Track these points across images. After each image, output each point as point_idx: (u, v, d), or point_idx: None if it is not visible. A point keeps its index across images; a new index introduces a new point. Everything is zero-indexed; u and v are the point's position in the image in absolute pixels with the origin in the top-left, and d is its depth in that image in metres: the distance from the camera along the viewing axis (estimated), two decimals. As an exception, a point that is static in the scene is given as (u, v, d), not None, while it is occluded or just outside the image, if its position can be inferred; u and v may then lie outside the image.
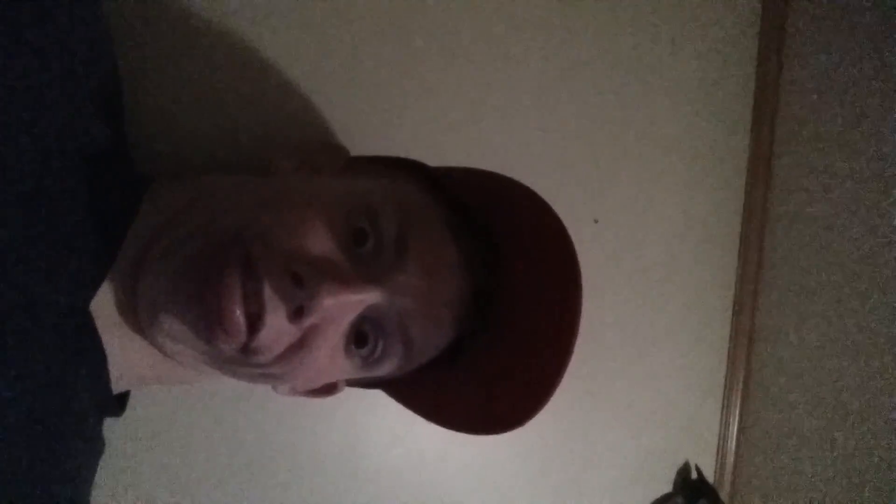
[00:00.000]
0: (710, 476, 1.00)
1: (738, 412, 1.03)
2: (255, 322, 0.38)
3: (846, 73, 0.91)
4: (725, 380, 1.02)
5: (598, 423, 0.88)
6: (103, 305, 0.42)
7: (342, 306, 0.40)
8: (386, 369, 0.47)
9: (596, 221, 0.81)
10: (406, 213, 0.44)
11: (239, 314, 0.37)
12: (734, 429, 1.03)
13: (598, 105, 0.81)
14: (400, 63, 0.66)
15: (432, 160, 0.52)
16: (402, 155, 0.53)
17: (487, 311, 0.48)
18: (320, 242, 0.41)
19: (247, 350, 0.39)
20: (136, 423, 0.59)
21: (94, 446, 0.46)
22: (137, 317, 0.41)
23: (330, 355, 0.43)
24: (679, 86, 0.88)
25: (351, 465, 0.70)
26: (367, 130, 0.64)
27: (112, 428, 0.48)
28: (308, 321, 0.39)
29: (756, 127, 0.97)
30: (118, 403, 0.48)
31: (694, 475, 0.98)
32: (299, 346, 0.41)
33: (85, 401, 0.42)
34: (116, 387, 0.45)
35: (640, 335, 0.91)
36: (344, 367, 0.45)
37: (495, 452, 0.80)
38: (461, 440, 0.77)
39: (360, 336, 0.44)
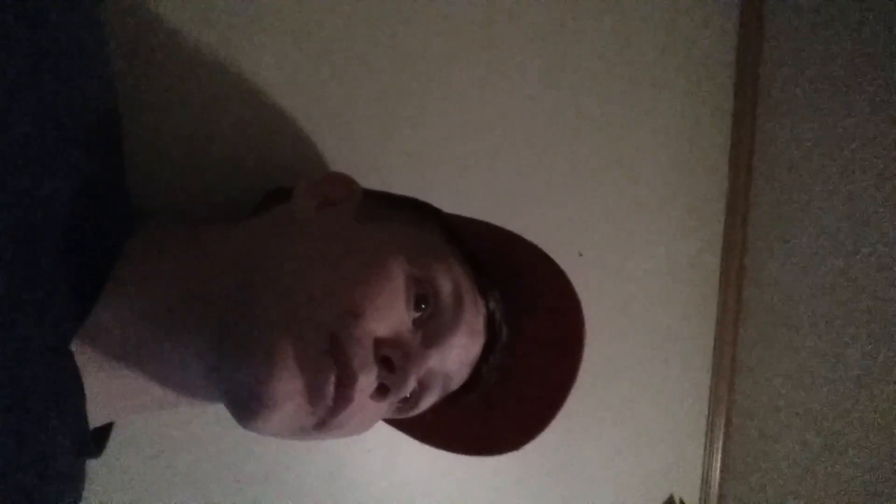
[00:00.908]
0: (694, 510, 1.00)
1: (721, 445, 1.04)
2: (340, 403, 0.40)
3: (823, 109, 0.95)
4: (708, 413, 1.03)
5: (583, 458, 0.88)
6: (86, 342, 0.41)
7: (417, 379, 0.44)
8: (415, 413, 0.50)
9: (580, 255, 0.83)
10: (455, 274, 0.47)
11: (331, 394, 0.40)
12: (717, 462, 1.04)
13: (584, 140, 0.83)
14: (391, 95, 0.68)
15: (423, 191, 0.53)
16: (395, 185, 0.55)
17: (497, 362, 0.52)
18: (398, 317, 0.43)
19: (325, 426, 0.41)
20: (117, 460, 0.58)
21: (74, 486, 0.45)
22: (136, 356, 0.41)
23: (380, 414, 0.46)
24: (660, 126, 0.91)
25: (337, 497, 0.69)
26: (359, 160, 0.66)
27: (92, 466, 0.47)
28: (389, 399, 0.42)
29: (733, 164, 1.01)
30: (96, 444, 0.47)
31: (678, 509, 0.98)
32: (365, 413, 0.44)
33: (63, 441, 0.41)
34: (95, 422, 0.44)
35: (624, 369, 0.92)
36: (383, 415, 0.48)
37: (481, 487, 0.79)
38: (445, 473, 0.76)
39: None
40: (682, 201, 0.95)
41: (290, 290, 0.41)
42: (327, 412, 0.40)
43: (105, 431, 0.49)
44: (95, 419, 0.43)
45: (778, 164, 0.99)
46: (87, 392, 0.41)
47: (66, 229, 0.39)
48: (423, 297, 0.45)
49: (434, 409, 0.52)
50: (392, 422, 0.57)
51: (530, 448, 0.82)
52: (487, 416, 0.53)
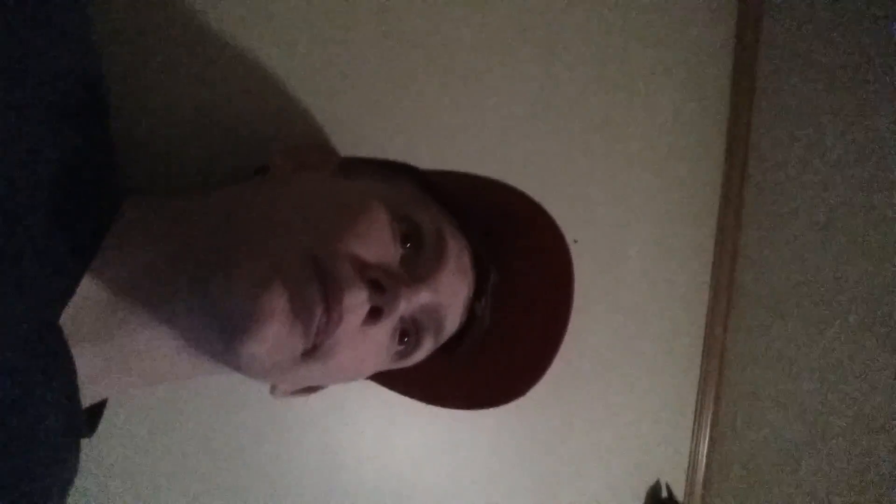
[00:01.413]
0: (679, 494, 1.02)
1: (708, 432, 1.05)
2: (332, 320, 0.39)
3: (816, 105, 0.95)
4: (697, 400, 1.04)
5: (570, 440, 0.89)
6: (76, 317, 0.40)
7: (409, 308, 0.43)
8: (413, 361, 0.50)
9: (575, 241, 0.83)
10: (434, 216, 0.47)
11: (320, 319, 0.39)
12: (704, 448, 1.05)
13: (581, 129, 0.83)
14: (386, 74, 0.67)
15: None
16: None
17: (489, 302, 0.51)
18: (383, 248, 0.43)
19: (318, 350, 0.41)
20: (109, 442, 0.58)
21: (66, 468, 0.44)
22: (129, 325, 0.41)
23: (376, 352, 0.45)
24: (657, 115, 0.91)
25: (328, 479, 0.70)
26: (351, 133, 0.65)
27: (84, 450, 0.47)
28: (382, 322, 0.41)
29: (729, 158, 1.01)
30: (89, 423, 0.47)
31: (664, 493, 1.00)
32: (358, 346, 0.43)
33: (54, 420, 0.40)
34: (87, 399, 0.44)
35: (616, 355, 0.93)
36: (380, 365, 0.47)
37: (470, 468, 0.80)
38: (436, 454, 0.77)
39: (401, 333, 0.47)
40: (678, 189, 0.96)
41: (269, 224, 0.41)
42: (318, 334, 0.39)
43: (97, 410, 0.49)
44: (87, 396, 0.43)
45: (771, 159, 1.00)
46: (78, 369, 0.40)
47: (51, 205, 0.39)
48: (405, 235, 0.45)
49: (431, 362, 0.52)
50: (391, 382, 0.57)
51: (522, 430, 0.84)
52: (487, 363, 0.52)
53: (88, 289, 0.41)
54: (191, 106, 0.57)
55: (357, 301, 0.40)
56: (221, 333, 0.39)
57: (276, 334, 0.38)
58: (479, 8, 0.72)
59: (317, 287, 0.39)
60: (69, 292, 0.40)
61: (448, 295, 0.46)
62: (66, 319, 0.40)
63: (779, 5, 1.00)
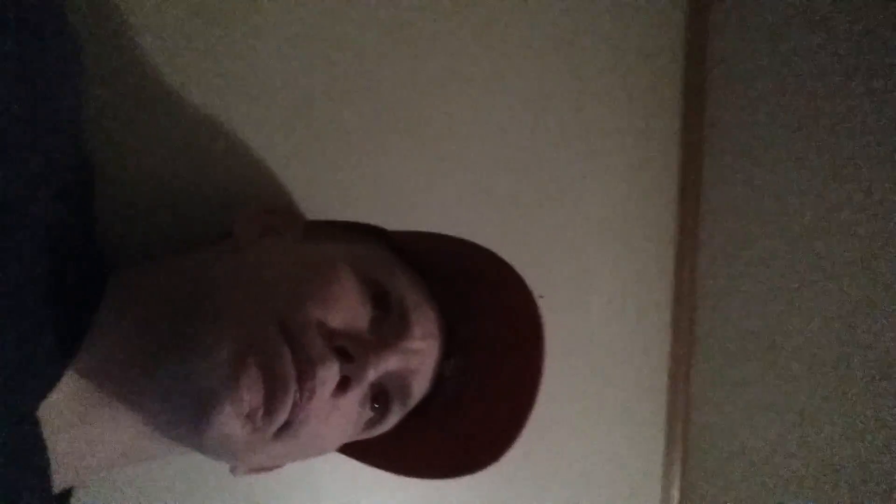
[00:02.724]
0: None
1: (678, 483, 1.06)
2: (305, 397, 0.39)
3: (768, 150, 1.01)
4: (665, 451, 1.05)
5: (537, 499, 0.88)
6: (51, 406, 0.39)
7: (376, 374, 0.42)
8: (383, 429, 0.48)
9: (541, 297, 0.84)
10: (401, 280, 0.47)
11: (293, 395, 0.38)
12: (676, 497, 1.05)
13: (543, 184, 0.86)
14: (353, 136, 0.69)
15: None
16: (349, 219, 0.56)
17: (456, 365, 0.51)
18: (350, 314, 0.43)
19: (288, 427, 0.40)
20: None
21: None
22: (108, 410, 0.40)
23: (347, 421, 0.44)
24: (611, 174, 0.95)
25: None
26: (318, 196, 0.66)
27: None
28: (351, 391, 0.41)
29: (682, 203, 1.05)
30: None
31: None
32: (328, 418, 0.42)
33: None
34: (58, 486, 0.42)
35: (581, 409, 0.93)
36: (350, 435, 0.46)
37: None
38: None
39: (372, 399, 0.46)
40: (634, 243, 0.99)
41: (234, 297, 0.41)
42: (289, 411, 0.39)
43: (66, 496, 0.46)
44: (58, 484, 0.41)
45: (726, 209, 1.05)
46: (52, 457, 0.39)
47: (37, 295, 0.38)
48: (373, 297, 0.45)
49: (400, 430, 0.51)
50: (360, 454, 0.55)
51: (492, 498, 0.82)
52: (457, 429, 0.51)
53: (68, 376, 0.39)
54: (167, 173, 0.57)
55: (329, 374, 0.39)
56: (190, 414, 0.38)
57: (247, 411, 0.38)
58: (446, 71, 0.75)
59: (289, 358, 0.38)
60: (52, 384, 0.39)
61: (416, 359, 0.46)
62: (42, 409, 0.38)
63: (724, 45, 1.07)
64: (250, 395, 0.37)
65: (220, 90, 0.60)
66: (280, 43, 0.63)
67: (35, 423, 0.38)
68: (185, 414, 0.39)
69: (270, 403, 0.38)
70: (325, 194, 0.66)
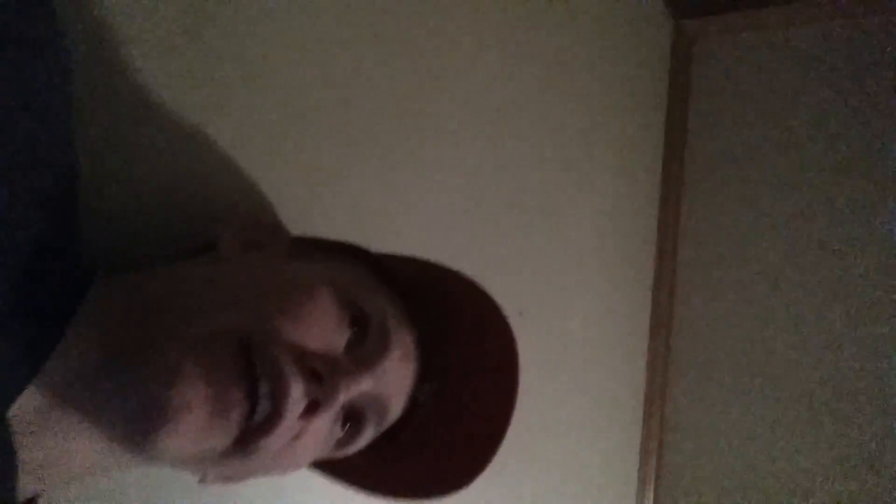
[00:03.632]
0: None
1: (652, 496, 1.07)
2: (271, 420, 0.37)
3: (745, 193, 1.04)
4: (639, 468, 1.06)
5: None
6: (25, 409, 0.38)
7: (347, 396, 0.41)
8: (354, 449, 0.48)
9: (521, 314, 0.86)
10: (381, 302, 0.47)
11: (260, 414, 0.37)
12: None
13: (523, 209, 0.88)
14: (338, 155, 0.70)
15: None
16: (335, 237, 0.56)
17: (430, 390, 0.51)
18: (323, 334, 0.42)
19: (248, 447, 0.38)
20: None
21: None
22: (76, 418, 0.39)
23: (315, 442, 0.43)
24: (594, 197, 0.97)
25: None
26: (304, 213, 0.67)
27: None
28: (320, 415, 0.39)
29: (662, 230, 1.08)
30: None
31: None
32: (297, 437, 0.41)
33: None
34: (26, 492, 0.41)
35: (558, 427, 0.94)
36: (319, 453, 0.46)
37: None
38: None
39: (343, 419, 0.45)
40: (614, 268, 1.01)
41: (199, 305, 0.39)
42: (255, 431, 0.37)
43: None
44: (22, 491, 0.41)
45: (705, 234, 1.07)
46: (23, 458, 0.38)
47: (12, 295, 0.38)
48: (352, 319, 0.44)
49: (374, 450, 0.50)
50: (332, 472, 0.55)
51: (464, 499, 0.82)
52: (431, 451, 0.51)
53: (38, 382, 0.39)
54: (153, 185, 0.58)
55: (295, 395, 0.38)
56: (134, 425, 0.36)
57: (190, 428, 0.36)
58: (431, 90, 0.77)
59: (238, 372, 0.37)
60: (21, 388, 0.38)
61: (391, 382, 0.46)
62: (9, 413, 0.38)
63: (706, 87, 1.10)
64: (189, 410, 0.35)
65: (209, 101, 0.60)
66: (269, 53, 0.64)
67: (5, 425, 0.37)
68: (127, 425, 0.37)
69: (213, 419, 0.36)
70: (311, 205, 0.67)
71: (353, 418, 0.46)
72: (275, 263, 0.48)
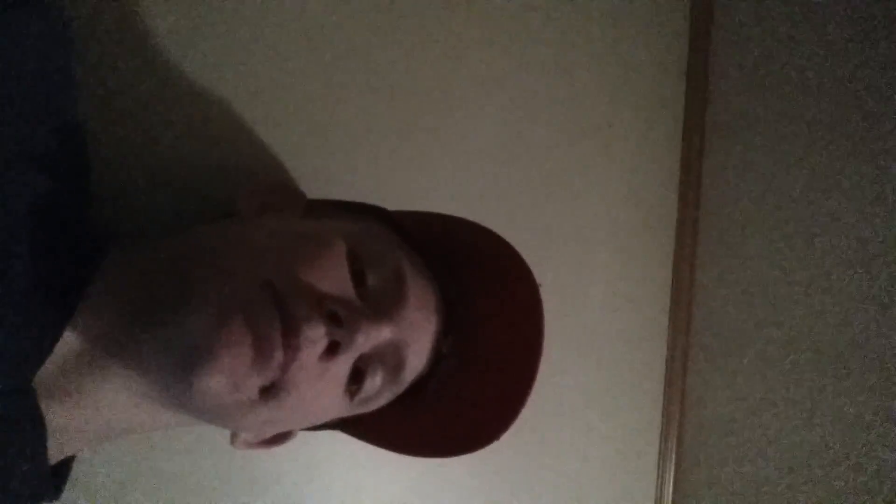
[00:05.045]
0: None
1: (672, 476, 1.06)
2: (290, 359, 0.39)
3: (765, 162, 1.01)
4: (660, 441, 1.05)
5: (531, 488, 0.89)
6: (46, 375, 0.39)
7: (368, 343, 0.42)
8: (377, 405, 0.48)
9: (540, 285, 0.85)
10: (398, 255, 0.47)
11: (279, 353, 0.38)
12: (669, 492, 1.06)
13: (545, 176, 0.86)
14: (357, 118, 0.69)
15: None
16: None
17: (454, 343, 0.50)
18: (342, 283, 0.43)
19: (274, 388, 0.39)
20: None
21: None
22: (100, 377, 0.40)
23: (334, 393, 0.44)
24: (613, 164, 0.95)
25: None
26: (321, 176, 0.66)
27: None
28: (341, 357, 0.40)
29: (682, 199, 1.06)
30: (55, 484, 0.45)
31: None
32: (319, 379, 0.41)
33: (19, 485, 0.39)
34: (53, 458, 0.42)
35: (578, 398, 0.94)
36: (340, 406, 0.46)
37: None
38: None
39: (357, 373, 0.45)
40: (633, 235, 1.00)
41: (226, 259, 0.41)
42: (276, 369, 0.38)
43: (63, 469, 0.46)
44: (52, 455, 0.41)
45: (725, 205, 1.05)
46: (48, 430, 0.39)
47: (29, 263, 0.38)
48: (362, 273, 0.45)
49: (400, 407, 0.50)
50: (358, 431, 0.55)
51: (491, 480, 0.83)
52: (457, 407, 0.51)
53: (61, 346, 0.39)
54: (169, 155, 0.57)
55: (315, 335, 0.39)
56: (177, 369, 0.38)
57: (233, 365, 0.37)
58: (449, 59, 0.75)
59: (275, 315, 0.38)
60: (46, 353, 0.39)
61: (410, 331, 0.45)
62: (38, 379, 0.39)
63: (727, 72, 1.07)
64: (234, 351, 0.37)
65: (226, 65, 0.60)
66: (283, 25, 0.63)
67: (30, 394, 0.38)
68: (172, 373, 0.38)
69: (256, 360, 0.38)
70: (326, 181, 0.66)
71: (370, 370, 0.45)
72: (291, 221, 0.49)
